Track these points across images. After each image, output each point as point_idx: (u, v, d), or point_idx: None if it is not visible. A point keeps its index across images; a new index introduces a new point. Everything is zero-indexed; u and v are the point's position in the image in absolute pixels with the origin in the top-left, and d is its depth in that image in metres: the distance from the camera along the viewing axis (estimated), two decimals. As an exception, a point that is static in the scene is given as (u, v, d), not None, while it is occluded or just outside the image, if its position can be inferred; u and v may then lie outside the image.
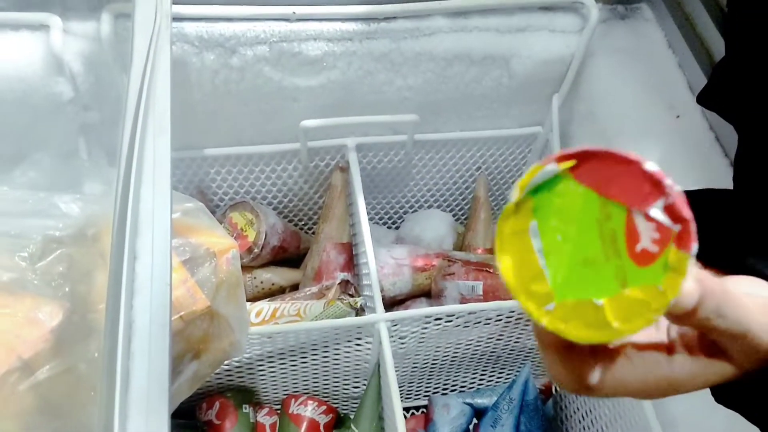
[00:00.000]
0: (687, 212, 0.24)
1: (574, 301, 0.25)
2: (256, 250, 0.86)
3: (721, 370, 0.28)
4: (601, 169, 0.25)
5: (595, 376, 0.28)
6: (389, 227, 1.05)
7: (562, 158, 0.25)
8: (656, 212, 0.24)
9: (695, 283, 0.25)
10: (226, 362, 0.76)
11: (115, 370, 0.40)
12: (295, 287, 0.92)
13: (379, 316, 0.73)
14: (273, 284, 0.91)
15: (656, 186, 0.24)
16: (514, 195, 0.26)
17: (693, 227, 0.24)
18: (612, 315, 0.25)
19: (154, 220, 0.47)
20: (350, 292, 0.80)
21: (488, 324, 0.78)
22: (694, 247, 0.24)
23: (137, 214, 0.46)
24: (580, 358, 0.28)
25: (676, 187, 0.24)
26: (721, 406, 0.34)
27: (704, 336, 0.28)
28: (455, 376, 0.91)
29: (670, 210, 0.24)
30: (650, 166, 0.24)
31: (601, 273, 0.25)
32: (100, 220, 0.56)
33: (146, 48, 0.50)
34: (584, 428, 0.86)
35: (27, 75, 0.70)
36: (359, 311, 0.74)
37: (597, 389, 0.28)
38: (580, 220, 0.25)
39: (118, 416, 0.38)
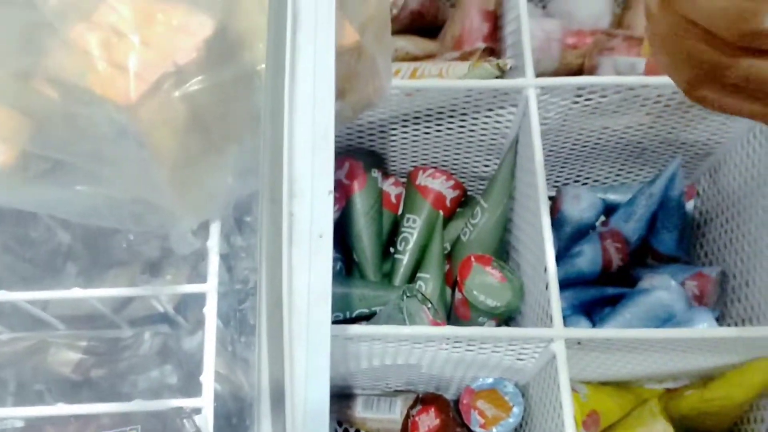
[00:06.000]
0: None
1: None
2: (394, 11, 0.81)
3: None
4: None
5: None
6: (535, 6, 0.95)
7: None
8: None
9: None
10: (361, 116, 0.74)
11: (282, 124, 0.39)
12: (430, 58, 0.86)
13: (528, 80, 0.67)
14: (407, 53, 0.86)
15: None
16: None
17: None
18: None
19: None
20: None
21: (644, 106, 0.70)
22: None
23: None
24: None
25: None
26: None
27: None
28: (590, 168, 0.86)
29: None
30: None
31: None
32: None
33: None
34: (726, 232, 0.80)
35: None
36: (506, 75, 0.68)
37: None
38: None
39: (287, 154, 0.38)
